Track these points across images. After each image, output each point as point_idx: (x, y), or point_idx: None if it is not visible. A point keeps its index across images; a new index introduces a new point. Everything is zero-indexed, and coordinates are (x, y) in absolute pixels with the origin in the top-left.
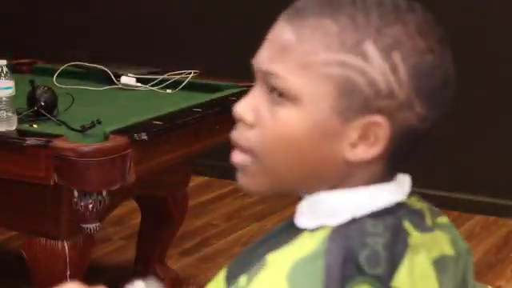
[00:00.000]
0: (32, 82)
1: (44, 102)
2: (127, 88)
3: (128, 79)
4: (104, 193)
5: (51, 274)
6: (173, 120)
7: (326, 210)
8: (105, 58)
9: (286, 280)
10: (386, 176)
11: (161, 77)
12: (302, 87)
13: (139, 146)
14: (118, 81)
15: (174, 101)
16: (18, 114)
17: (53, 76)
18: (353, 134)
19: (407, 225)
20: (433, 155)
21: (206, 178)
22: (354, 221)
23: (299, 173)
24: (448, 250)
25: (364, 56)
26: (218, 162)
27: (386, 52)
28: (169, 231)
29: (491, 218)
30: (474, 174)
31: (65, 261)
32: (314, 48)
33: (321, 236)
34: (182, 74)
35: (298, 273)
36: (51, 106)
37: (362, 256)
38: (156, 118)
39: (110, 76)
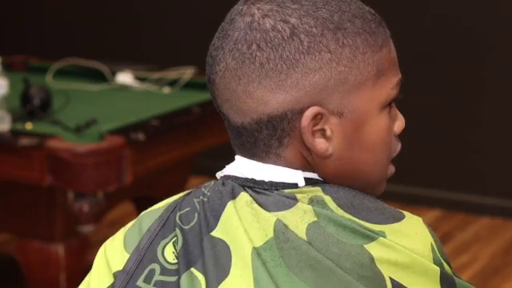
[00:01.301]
0: (26, 81)
1: (38, 101)
2: (123, 87)
3: (124, 78)
4: (99, 194)
5: (46, 279)
6: (170, 119)
7: None
8: (101, 56)
9: (131, 223)
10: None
11: (158, 75)
12: None
13: (136, 146)
14: (114, 79)
15: (172, 100)
16: (12, 113)
17: (46, 74)
18: None
19: (245, 194)
20: (438, 156)
21: (206, 178)
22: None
23: None
24: (299, 232)
25: None
26: (217, 161)
27: None
28: None
29: (498, 220)
30: (481, 175)
31: (60, 264)
32: None
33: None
34: (179, 71)
35: (140, 218)
36: (45, 105)
37: (180, 214)
38: (153, 118)
39: (106, 74)
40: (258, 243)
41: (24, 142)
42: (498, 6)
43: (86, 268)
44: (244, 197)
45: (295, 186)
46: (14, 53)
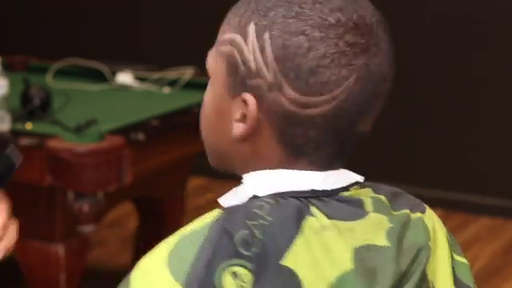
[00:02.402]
0: (26, 81)
1: (38, 101)
2: (123, 87)
3: (124, 78)
4: (99, 194)
5: (46, 279)
6: (170, 119)
7: (236, 190)
8: (101, 56)
9: (166, 252)
10: (306, 164)
11: (158, 75)
12: (211, 65)
13: (136, 146)
14: (114, 79)
15: (172, 100)
16: (12, 113)
17: (46, 74)
18: (235, 111)
19: (315, 210)
20: (438, 156)
21: (205, 178)
22: (250, 201)
23: (216, 150)
24: (378, 240)
25: (245, 36)
26: None
27: (260, 32)
28: (166, 234)
29: (498, 220)
30: (481, 175)
31: (60, 264)
32: (223, 29)
33: (213, 215)
34: (179, 71)
35: (178, 246)
36: (45, 105)
37: (238, 237)
38: (153, 118)
39: (106, 74)
40: (334, 275)
41: (24, 141)
42: (497, 6)
43: (85, 268)
44: (312, 221)
45: (347, 188)
46: (14, 53)
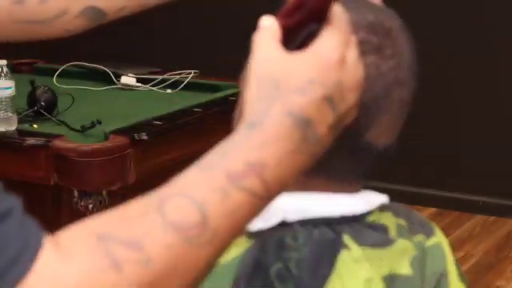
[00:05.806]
0: (32, 82)
1: (44, 102)
2: (127, 88)
3: (128, 79)
4: (104, 193)
5: None
6: (173, 120)
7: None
8: (105, 57)
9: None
10: (327, 186)
11: (161, 77)
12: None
13: (139, 146)
14: (118, 81)
15: (174, 101)
16: (18, 114)
17: (53, 76)
18: None
19: (347, 238)
20: (433, 155)
21: None
22: (279, 228)
23: None
24: (402, 269)
25: None
26: None
27: None
28: None
29: (491, 218)
30: (474, 173)
31: None
32: None
33: (244, 243)
34: (181, 73)
35: (208, 280)
36: (51, 106)
37: (273, 270)
38: (156, 118)
39: (110, 76)
40: None
41: (30, 141)
42: (495, 2)
43: None
44: (345, 255)
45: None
46: (22, 55)
